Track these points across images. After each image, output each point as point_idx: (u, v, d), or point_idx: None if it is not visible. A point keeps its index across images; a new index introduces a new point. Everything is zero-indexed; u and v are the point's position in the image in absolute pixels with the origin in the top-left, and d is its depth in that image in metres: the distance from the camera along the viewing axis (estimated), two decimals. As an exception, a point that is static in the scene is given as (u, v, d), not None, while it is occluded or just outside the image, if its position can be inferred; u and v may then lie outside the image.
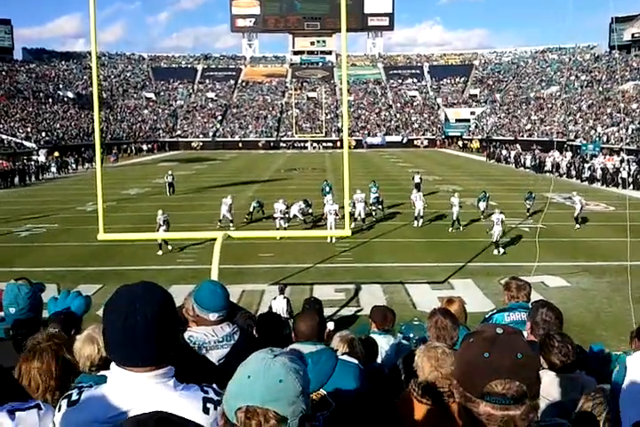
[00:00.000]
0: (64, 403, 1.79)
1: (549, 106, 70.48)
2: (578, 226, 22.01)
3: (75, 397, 1.79)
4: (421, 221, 22.65)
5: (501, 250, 18.19)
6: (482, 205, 23.36)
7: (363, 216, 22.62)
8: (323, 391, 3.06)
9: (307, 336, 3.22)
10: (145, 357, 1.76)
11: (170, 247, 18.65)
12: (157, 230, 18.28)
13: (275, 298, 11.19)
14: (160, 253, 18.32)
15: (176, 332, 1.88)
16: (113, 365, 1.80)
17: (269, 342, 4.24)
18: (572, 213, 24.88)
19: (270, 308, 10.61)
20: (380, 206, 24.31)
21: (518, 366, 1.32)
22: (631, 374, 1.27)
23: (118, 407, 1.74)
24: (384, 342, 5.35)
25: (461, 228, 21.94)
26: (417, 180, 29.76)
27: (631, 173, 34.07)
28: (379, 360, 5.05)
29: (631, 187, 32.98)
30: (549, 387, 3.08)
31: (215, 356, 3.18)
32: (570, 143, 53.06)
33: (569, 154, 46.08)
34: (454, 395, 2.79)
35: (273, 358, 1.45)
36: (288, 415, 1.39)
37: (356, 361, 3.33)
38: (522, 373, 1.34)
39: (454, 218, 21.80)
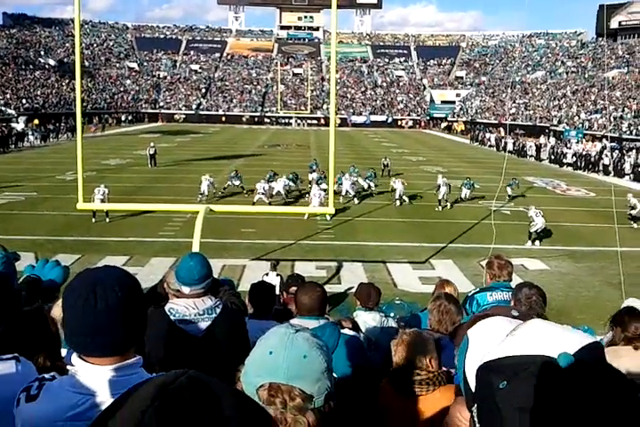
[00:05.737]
0: (22, 396, 1.66)
1: (534, 91, 70.56)
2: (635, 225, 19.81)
3: (34, 391, 1.67)
4: (401, 201, 22.57)
5: (537, 242, 17.32)
6: (465, 191, 23.30)
7: (352, 193, 22.71)
8: None
9: (309, 309, 3.16)
10: (105, 346, 1.64)
11: (108, 220, 18.32)
12: (93, 200, 17.69)
13: (267, 274, 10.73)
14: (94, 220, 18.15)
15: (142, 320, 1.73)
16: (74, 356, 1.67)
17: (263, 311, 4.21)
18: (552, 198, 25.12)
19: None
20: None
21: None
22: (472, 347, 1.16)
23: (79, 405, 1.62)
24: (369, 318, 5.34)
25: (449, 205, 22.16)
26: (384, 162, 30.11)
27: (613, 159, 34.32)
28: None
29: (612, 174, 33.30)
30: None
31: (196, 328, 3.13)
32: (553, 128, 53.29)
33: (552, 139, 46.28)
34: (433, 384, 2.75)
35: (294, 333, 1.37)
36: (314, 393, 1.32)
37: (356, 334, 3.31)
38: None
39: (440, 197, 22.01)
